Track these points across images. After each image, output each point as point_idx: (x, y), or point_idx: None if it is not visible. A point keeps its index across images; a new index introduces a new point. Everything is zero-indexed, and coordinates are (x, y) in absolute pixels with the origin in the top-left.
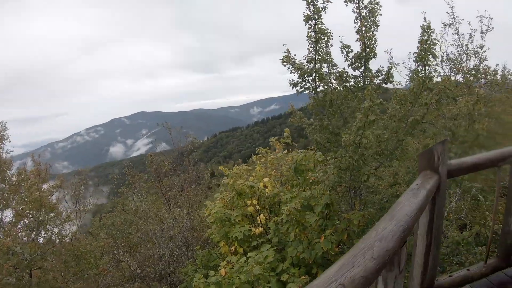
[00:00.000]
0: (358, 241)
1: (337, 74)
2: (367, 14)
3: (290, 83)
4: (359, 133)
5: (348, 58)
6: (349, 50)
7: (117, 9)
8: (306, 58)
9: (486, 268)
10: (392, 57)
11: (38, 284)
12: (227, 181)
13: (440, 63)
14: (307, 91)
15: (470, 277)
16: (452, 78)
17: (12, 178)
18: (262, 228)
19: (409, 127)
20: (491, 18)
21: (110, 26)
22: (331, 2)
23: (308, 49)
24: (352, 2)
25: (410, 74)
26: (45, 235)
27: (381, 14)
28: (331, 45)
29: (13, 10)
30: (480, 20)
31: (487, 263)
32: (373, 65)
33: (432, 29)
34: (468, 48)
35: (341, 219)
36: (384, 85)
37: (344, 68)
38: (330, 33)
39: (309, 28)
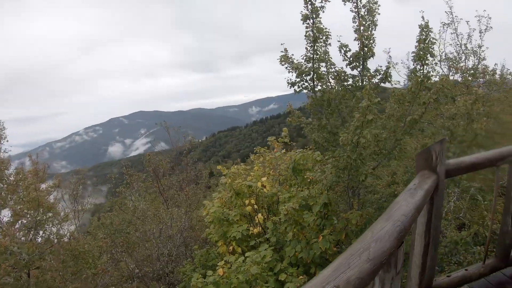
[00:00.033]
0: (355, 241)
1: (335, 74)
2: (365, 13)
3: (288, 83)
4: (357, 133)
5: (346, 58)
6: (347, 49)
7: (117, 9)
8: (304, 58)
9: (485, 268)
10: (390, 57)
11: (36, 284)
12: (225, 181)
13: (438, 62)
14: (305, 91)
15: (469, 277)
16: (451, 77)
17: (10, 178)
18: (260, 228)
19: (407, 126)
20: (490, 18)
21: (109, 25)
22: (329, 1)
23: (306, 48)
24: (350, 1)
25: (409, 74)
26: (43, 234)
27: (379, 14)
28: (329, 44)
29: (13, 10)
30: (479, 20)
31: (485, 263)
32: (372, 64)
33: (431, 28)
34: (466, 47)
35: (339, 219)
36: (382, 84)
37: (342, 68)
38: (328, 32)
39: (307, 27)
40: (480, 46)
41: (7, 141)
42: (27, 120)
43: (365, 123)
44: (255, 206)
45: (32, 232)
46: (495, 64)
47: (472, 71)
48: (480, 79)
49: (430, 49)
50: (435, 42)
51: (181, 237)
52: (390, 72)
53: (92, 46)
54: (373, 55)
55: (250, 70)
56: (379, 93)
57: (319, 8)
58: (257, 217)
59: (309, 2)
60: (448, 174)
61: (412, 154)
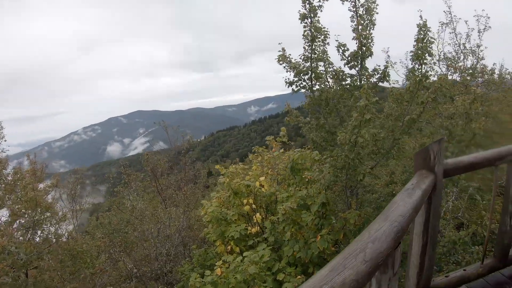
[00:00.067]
0: (352, 242)
1: (333, 73)
2: (364, 12)
3: (286, 82)
4: (355, 132)
5: (344, 57)
6: (345, 48)
7: (116, 8)
8: (302, 57)
9: (483, 268)
10: (388, 56)
11: (34, 284)
12: (223, 180)
13: (437, 62)
14: (303, 90)
15: (467, 277)
16: (449, 77)
17: (8, 178)
18: (258, 227)
19: (405, 126)
20: (489, 18)
21: (109, 25)
22: (327, 0)
23: (304, 47)
24: (349, 0)
25: (407, 73)
26: (41, 234)
27: (377, 13)
28: (328, 43)
29: (12, 10)
30: (477, 20)
31: (484, 263)
32: (370, 64)
33: (429, 27)
34: (465, 47)
35: (337, 218)
36: (381, 84)
37: (340, 67)
38: (327, 31)
39: (305, 26)
40: (478, 46)
41: (5, 140)
42: (26, 119)
43: (363, 122)
44: (253, 206)
45: (30, 232)
46: (494, 63)
47: (470, 71)
48: (479, 79)
49: (429, 48)
50: (433, 41)
51: (179, 237)
52: (388, 72)
53: (92, 46)
54: (371, 54)
55: (249, 70)
56: (377, 93)
57: (317, 7)
58: (255, 217)
59: (307, 1)
60: (446, 174)
61: (410, 154)
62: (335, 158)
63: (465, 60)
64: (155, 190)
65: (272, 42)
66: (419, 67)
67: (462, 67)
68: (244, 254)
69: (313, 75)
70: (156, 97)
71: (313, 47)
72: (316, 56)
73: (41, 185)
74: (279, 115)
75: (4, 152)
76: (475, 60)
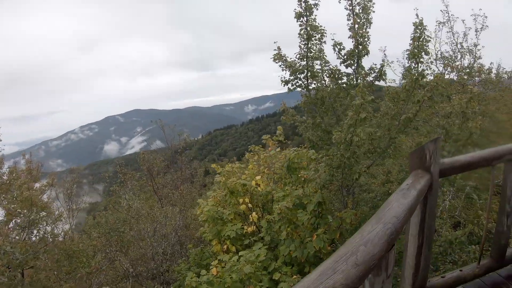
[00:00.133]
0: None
1: (330, 72)
2: (360, 11)
3: (281, 81)
4: (350, 131)
5: (340, 56)
6: (341, 47)
7: (114, 7)
8: (298, 56)
9: (479, 268)
10: (385, 55)
11: (30, 284)
12: (219, 179)
13: (434, 61)
14: (299, 89)
15: (463, 278)
16: (446, 76)
17: (3, 177)
18: (254, 227)
19: (401, 125)
20: (486, 17)
21: (106, 24)
22: None
23: (300, 46)
24: None
25: (404, 72)
26: (37, 234)
27: (373, 11)
28: (324, 42)
29: (9, 8)
30: (474, 19)
31: (480, 264)
32: (367, 62)
33: (425, 26)
34: (462, 46)
35: (334, 218)
36: (378, 83)
37: (336, 66)
38: (323, 30)
39: (300, 25)
40: (476, 45)
41: (0, 140)
42: (23, 118)
43: (358, 121)
44: (250, 205)
45: (26, 231)
46: (491, 63)
47: (467, 70)
48: (476, 78)
49: (425, 47)
50: (430, 40)
51: (176, 236)
52: (385, 70)
53: (89, 45)
54: (367, 53)
55: (246, 69)
56: (374, 92)
57: (312, 6)
58: (251, 216)
59: (303, 0)
60: (443, 174)
61: (407, 153)
62: (331, 157)
63: (462, 59)
64: (151, 189)
65: (268, 40)
66: (416, 66)
67: (459, 66)
68: (240, 253)
69: (308, 74)
70: (154, 96)
71: (309, 45)
72: (312, 54)
73: (37, 185)
74: (277, 114)
75: (0, 151)
76: (472, 59)
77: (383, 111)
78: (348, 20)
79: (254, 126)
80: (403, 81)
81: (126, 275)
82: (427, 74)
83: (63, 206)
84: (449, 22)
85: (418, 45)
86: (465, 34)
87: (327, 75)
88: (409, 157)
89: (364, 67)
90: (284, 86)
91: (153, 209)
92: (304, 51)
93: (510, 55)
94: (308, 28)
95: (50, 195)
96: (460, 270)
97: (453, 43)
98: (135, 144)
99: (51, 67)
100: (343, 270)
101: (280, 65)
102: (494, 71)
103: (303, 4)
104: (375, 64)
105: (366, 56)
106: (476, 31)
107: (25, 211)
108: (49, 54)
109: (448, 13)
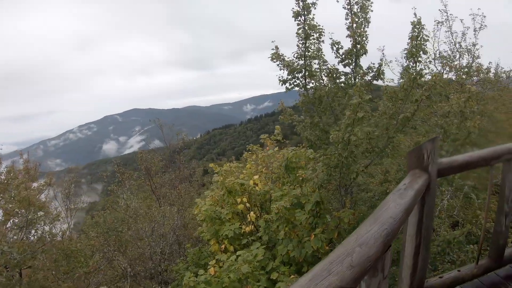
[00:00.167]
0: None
1: (328, 71)
2: (358, 10)
3: (279, 80)
4: (348, 130)
5: (338, 55)
6: (339, 46)
7: (112, 6)
8: (296, 55)
9: (478, 269)
10: (383, 54)
11: (28, 283)
12: (217, 179)
13: (432, 60)
14: (296, 88)
15: (461, 278)
16: (445, 76)
17: (1, 176)
18: (252, 226)
19: (400, 124)
20: (484, 16)
21: (104, 23)
22: None
23: (298, 45)
24: None
25: (402, 71)
26: (35, 233)
27: (372, 11)
28: (323, 41)
29: (6, 7)
30: (473, 18)
31: (478, 264)
32: (366, 62)
33: (423, 25)
34: (461, 46)
35: (332, 217)
36: (375, 82)
37: (334, 65)
38: (321, 29)
39: (298, 24)
40: (474, 45)
41: None
42: (22, 118)
43: (356, 120)
44: (247, 204)
45: (24, 231)
46: (490, 62)
47: (466, 70)
48: (474, 78)
49: (423, 46)
50: (428, 39)
51: (174, 236)
52: (383, 70)
53: (87, 44)
54: (365, 52)
55: (245, 68)
56: (372, 91)
57: (310, 5)
58: (249, 215)
59: None
60: (441, 173)
61: (405, 152)
62: (329, 156)
63: (460, 58)
64: (149, 188)
65: (267, 39)
66: (414, 65)
67: (457, 66)
68: (238, 253)
69: (306, 73)
70: (152, 95)
71: (307, 44)
72: (310, 54)
73: (34, 184)
74: (275, 113)
75: None
76: (471, 58)
77: (381, 110)
78: (346, 19)
79: (253, 126)
80: (401, 80)
81: (124, 274)
82: (426, 73)
83: (61, 205)
84: (447, 22)
85: (416, 44)
86: (463, 34)
87: (325, 75)
88: (407, 156)
89: (362, 67)
90: (282, 85)
91: (151, 208)
92: (302, 50)
93: (508, 55)
94: (306, 27)
95: (48, 194)
96: (458, 270)
97: (452, 42)
98: (134, 144)
99: (49, 67)
100: (338, 272)
101: (278, 65)
102: (492, 70)
103: (301, 3)
104: (373, 64)
105: (364, 55)
106: (474, 30)
107: (23, 210)
108: (48, 53)
109: (447, 13)
